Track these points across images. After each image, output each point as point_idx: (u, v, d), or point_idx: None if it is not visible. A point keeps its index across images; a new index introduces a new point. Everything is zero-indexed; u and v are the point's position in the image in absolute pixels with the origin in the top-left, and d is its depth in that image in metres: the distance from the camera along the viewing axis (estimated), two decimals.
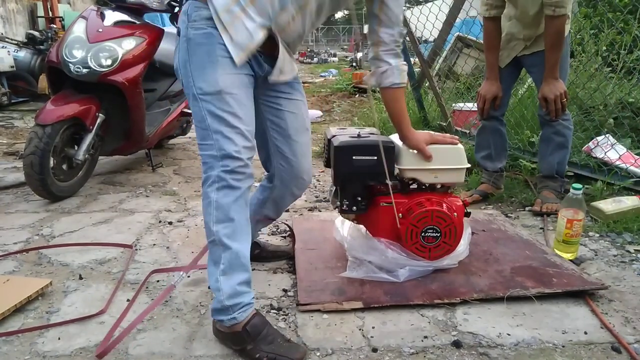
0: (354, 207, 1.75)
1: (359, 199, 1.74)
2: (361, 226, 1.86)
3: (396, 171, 1.77)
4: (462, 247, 1.82)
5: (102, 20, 2.81)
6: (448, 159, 1.74)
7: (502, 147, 2.65)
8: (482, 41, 2.62)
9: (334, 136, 1.76)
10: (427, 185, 1.79)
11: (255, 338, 1.34)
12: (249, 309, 1.38)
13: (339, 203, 1.76)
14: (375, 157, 1.65)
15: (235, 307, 1.35)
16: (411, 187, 1.82)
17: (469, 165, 1.79)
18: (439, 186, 1.81)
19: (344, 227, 1.94)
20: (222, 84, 1.34)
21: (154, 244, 2.14)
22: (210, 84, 1.33)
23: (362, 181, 1.72)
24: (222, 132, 1.33)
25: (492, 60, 2.48)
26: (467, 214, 1.79)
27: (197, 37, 1.35)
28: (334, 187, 1.77)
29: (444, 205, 1.74)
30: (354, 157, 1.66)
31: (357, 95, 7.12)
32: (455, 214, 1.73)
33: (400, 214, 1.73)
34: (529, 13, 2.30)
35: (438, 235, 1.74)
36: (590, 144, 2.90)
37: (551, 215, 2.38)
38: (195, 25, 1.35)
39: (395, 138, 1.80)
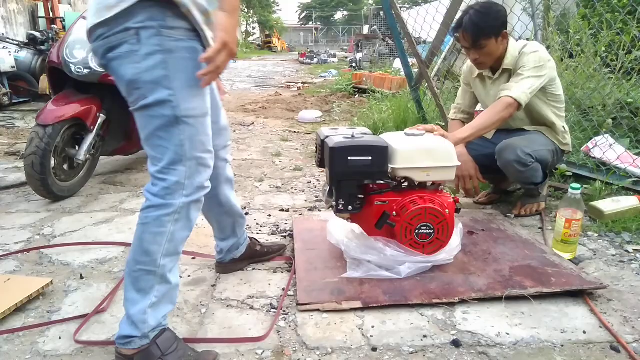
0: (350, 207, 1.76)
1: (354, 198, 1.75)
2: (355, 225, 1.88)
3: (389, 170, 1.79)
4: (456, 242, 1.86)
5: None
6: (439, 157, 1.76)
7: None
8: None
9: (327, 137, 1.77)
10: (417, 183, 1.82)
11: (164, 352, 1.27)
12: (162, 327, 1.31)
13: (334, 203, 1.77)
14: (370, 157, 1.68)
15: (152, 332, 1.28)
16: (403, 185, 1.85)
17: (459, 163, 1.81)
18: (430, 184, 1.83)
19: (339, 230, 1.95)
20: (207, 105, 1.26)
21: None
22: (199, 106, 1.23)
23: (357, 181, 1.74)
24: (197, 159, 1.25)
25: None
26: (458, 211, 1.83)
27: (180, 50, 1.16)
28: (328, 187, 1.78)
29: (437, 202, 1.76)
30: (349, 158, 1.67)
31: (357, 96, 7.13)
32: (447, 210, 1.76)
33: (394, 212, 1.76)
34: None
35: (431, 231, 1.76)
36: (589, 144, 2.91)
37: (550, 215, 2.39)
38: (174, 35, 1.15)
39: (387, 138, 1.82)
